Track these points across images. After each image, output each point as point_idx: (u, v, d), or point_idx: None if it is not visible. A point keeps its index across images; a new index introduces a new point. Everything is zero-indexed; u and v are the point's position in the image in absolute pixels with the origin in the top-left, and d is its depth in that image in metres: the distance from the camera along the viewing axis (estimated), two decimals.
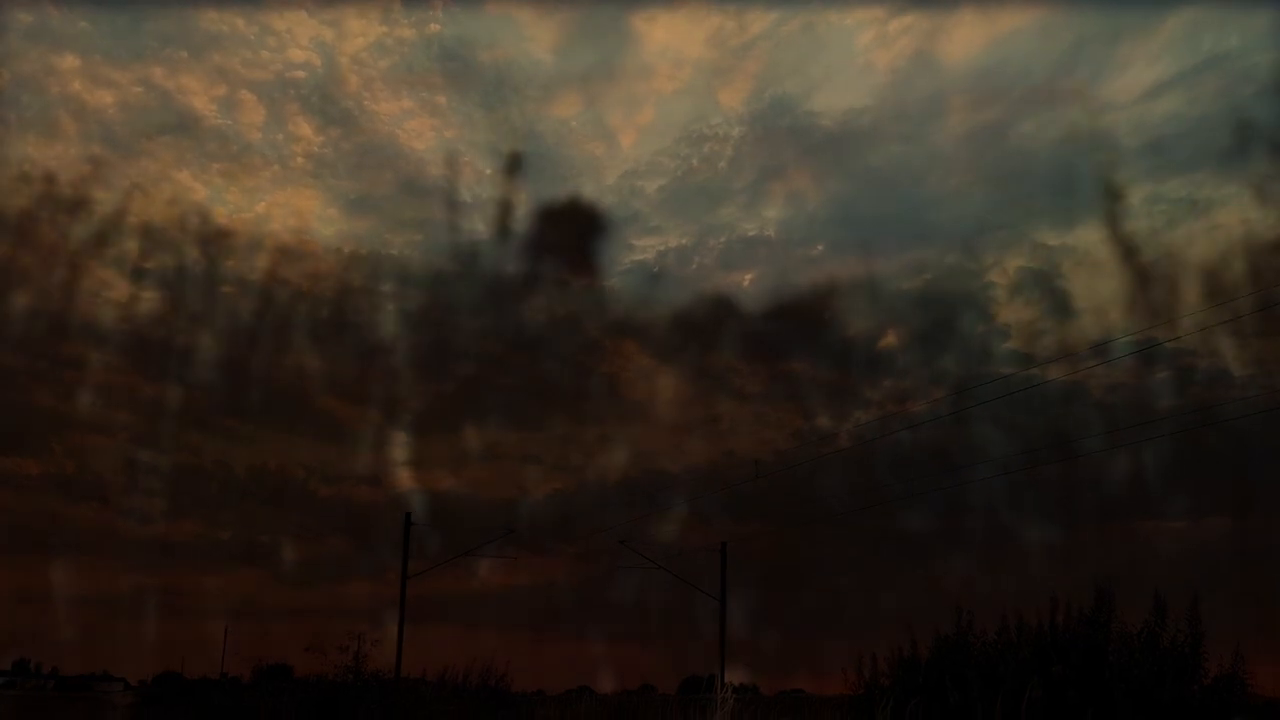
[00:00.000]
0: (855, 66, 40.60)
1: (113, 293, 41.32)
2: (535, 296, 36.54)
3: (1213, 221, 32.39)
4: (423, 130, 50.39)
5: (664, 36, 38.76)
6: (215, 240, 47.36)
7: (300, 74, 46.87)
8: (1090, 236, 36.88)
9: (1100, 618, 11.58)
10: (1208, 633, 10.96)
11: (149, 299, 41.26)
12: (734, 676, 30.44)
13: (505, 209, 47.46)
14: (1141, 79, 35.98)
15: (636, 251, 48.33)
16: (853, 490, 24.90)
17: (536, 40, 40.31)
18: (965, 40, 35.39)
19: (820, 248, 47.65)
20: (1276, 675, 10.69)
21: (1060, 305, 38.42)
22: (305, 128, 48.85)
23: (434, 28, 43.03)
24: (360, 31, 42.71)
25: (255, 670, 30.00)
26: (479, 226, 47.21)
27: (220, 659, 45.30)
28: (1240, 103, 27.29)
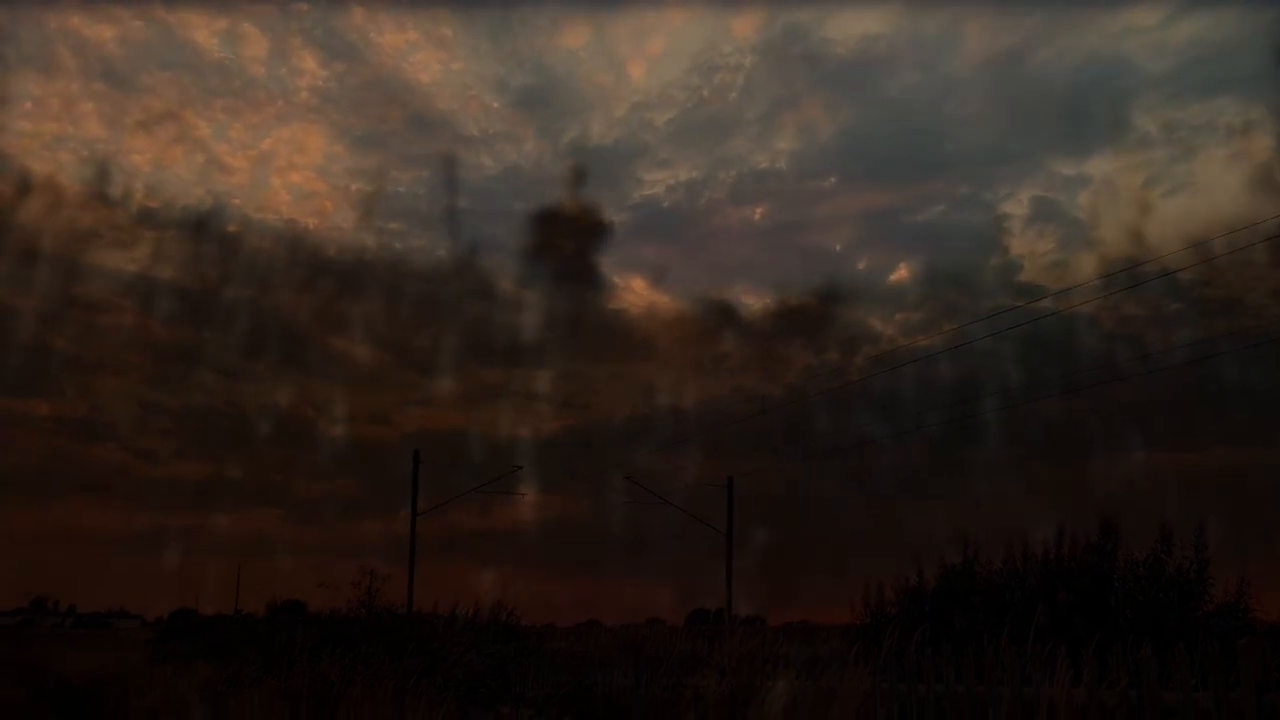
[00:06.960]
0: None
1: (119, 233, 41.04)
2: (543, 232, 36.24)
3: (1234, 148, 31.79)
4: (429, 63, 49.25)
5: None
6: (220, 178, 46.81)
7: (303, 5, 45.55)
8: (1107, 165, 36.26)
9: (1107, 546, 11.65)
10: (1215, 560, 11.02)
11: (155, 239, 40.98)
12: (740, 609, 30.92)
13: (514, 143, 46.73)
14: (1163, 3, 34.96)
15: (646, 186, 47.49)
16: (860, 425, 24.96)
17: None
18: None
19: (832, 180, 46.80)
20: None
21: (1075, 235, 37.93)
22: (309, 61, 47.70)
23: None
24: None
25: (269, 606, 30.60)
26: (487, 161, 46.48)
27: (234, 596, 46.17)
28: (1264, 26, 26.62)
